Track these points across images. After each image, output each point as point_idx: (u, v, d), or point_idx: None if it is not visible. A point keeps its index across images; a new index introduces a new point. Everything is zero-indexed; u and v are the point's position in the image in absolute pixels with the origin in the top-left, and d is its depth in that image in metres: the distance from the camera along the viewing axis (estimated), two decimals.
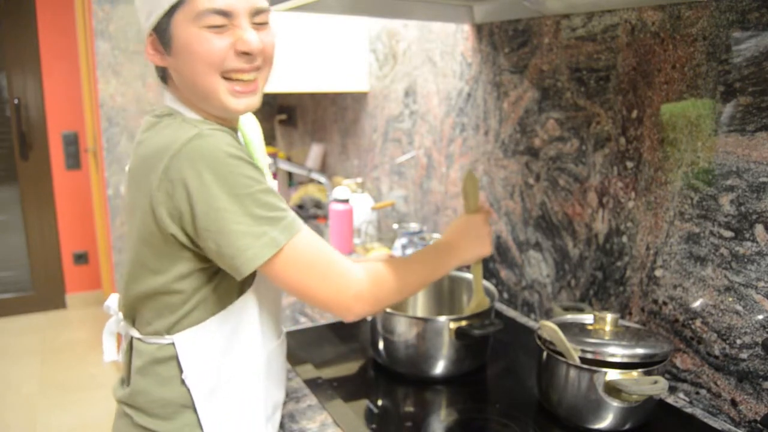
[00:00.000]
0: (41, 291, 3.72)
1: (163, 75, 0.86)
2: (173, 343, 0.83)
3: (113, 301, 0.94)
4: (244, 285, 0.85)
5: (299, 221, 0.79)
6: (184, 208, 0.75)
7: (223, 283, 0.83)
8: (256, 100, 0.84)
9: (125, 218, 0.87)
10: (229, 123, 0.87)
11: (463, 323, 1.04)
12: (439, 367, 1.07)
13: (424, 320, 1.06)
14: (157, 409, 0.85)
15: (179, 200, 0.75)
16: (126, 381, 0.90)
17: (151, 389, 0.85)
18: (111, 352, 0.97)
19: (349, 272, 0.82)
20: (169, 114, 0.82)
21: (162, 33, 0.79)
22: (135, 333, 0.87)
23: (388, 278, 0.86)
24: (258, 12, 0.80)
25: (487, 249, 1.04)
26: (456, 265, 0.99)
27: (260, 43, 0.79)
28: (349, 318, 0.83)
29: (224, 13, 0.77)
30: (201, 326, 0.83)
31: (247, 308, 0.86)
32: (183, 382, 0.84)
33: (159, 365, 0.85)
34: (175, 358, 0.84)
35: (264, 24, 0.82)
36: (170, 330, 0.84)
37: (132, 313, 0.88)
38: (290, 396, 1.01)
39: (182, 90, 0.83)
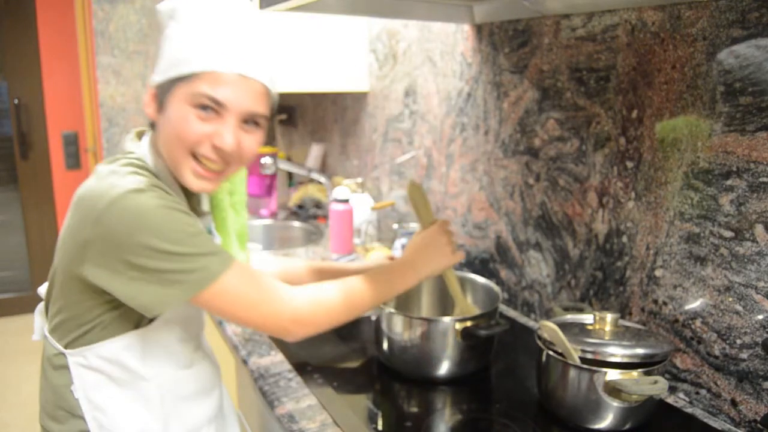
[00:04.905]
0: None
1: (153, 123, 0.89)
2: (65, 355, 0.85)
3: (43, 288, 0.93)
4: (141, 319, 0.86)
5: (225, 260, 0.80)
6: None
7: (121, 315, 0.84)
8: (213, 186, 0.86)
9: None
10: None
11: (469, 324, 1.04)
12: (443, 368, 1.07)
13: (430, 321, 1.06)
14: (51, 410, 0.88)
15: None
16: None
17: (46, 389, 0.88)
18: (38, 332, 0.96)
19: (283, 299, 0.84)
20: (130, 163, 0.83)
21: (162, 93, 0.82)
22: (45, 327, 0.89)
23: (331, 300, 0.89)
24: (251, 117, 0.83)
25: (450, 259, 1.05)
26: (415, 281, 1.01)
27: (236, 146, 0.82)
28: (290, 339, 0.87)
29: (217, 103, 0.79)
30: (95, 346, 0.84)
31: (143, 338, 0.86)
32: (72, 392, 0.86)
33: (54, 370, 0.87)
34: (68, 368, 0.86)
35: (254, 127, 0.84)
36: (66, 345, 0.85)
37: (48, 310, 0.89)
38: (290, 396, 1.01)
39: (160, 144, 0.86)
